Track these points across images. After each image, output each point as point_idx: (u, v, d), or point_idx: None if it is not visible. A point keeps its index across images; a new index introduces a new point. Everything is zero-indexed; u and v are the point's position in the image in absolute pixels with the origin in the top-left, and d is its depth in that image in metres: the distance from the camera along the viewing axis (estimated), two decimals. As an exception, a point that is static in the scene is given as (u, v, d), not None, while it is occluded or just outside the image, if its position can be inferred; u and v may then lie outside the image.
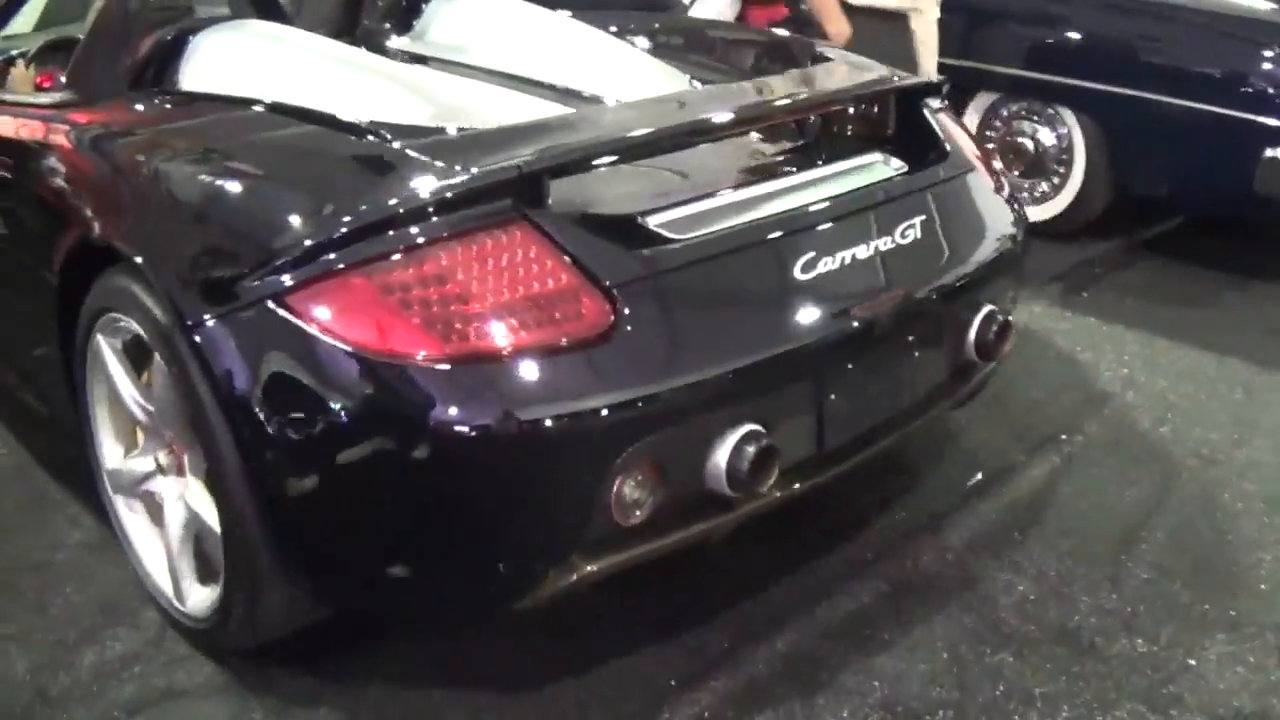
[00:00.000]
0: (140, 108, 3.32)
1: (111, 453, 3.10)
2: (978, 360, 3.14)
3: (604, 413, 2.37)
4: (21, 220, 3.39)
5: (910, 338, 3.00)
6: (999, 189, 3.40)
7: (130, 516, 3.10)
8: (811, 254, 2.74)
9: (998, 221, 3.29)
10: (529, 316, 2.38)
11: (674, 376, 2.47)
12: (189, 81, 3.35)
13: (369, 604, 2.82)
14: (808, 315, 2.71)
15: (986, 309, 3.10)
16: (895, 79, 3.47)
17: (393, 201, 2.46)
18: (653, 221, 2.69)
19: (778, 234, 2.76)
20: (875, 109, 3.42)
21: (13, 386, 3.78)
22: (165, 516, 2.91)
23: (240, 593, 2.68)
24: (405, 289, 2.37)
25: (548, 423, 2.34)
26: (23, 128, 3.40)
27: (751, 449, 2.54)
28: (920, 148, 3.29)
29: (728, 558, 3.16)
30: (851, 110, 3.43)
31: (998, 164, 3.53)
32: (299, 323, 2.39)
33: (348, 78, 3.24)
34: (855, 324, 2.78)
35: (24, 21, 5.00)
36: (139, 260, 2.67)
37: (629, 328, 2.45)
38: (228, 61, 3.37)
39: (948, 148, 3.30)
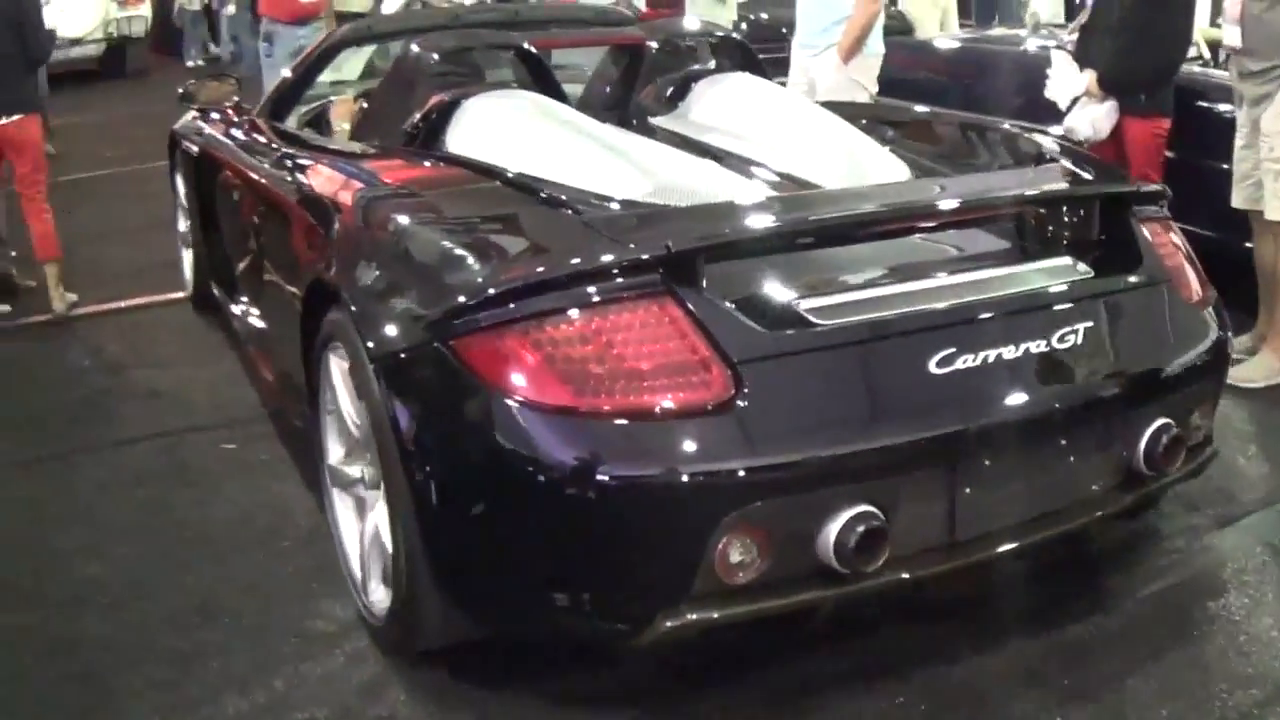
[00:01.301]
0: (396, 164, 3.92)
1: (334, 451, 3.53)
2: (1147, 473, 3.18)
3: (710, 477, 2.65)
4: (284, 247, 4.03)
5: (1062, 442, 3.09)
6: (1196, 304, 3.43)
7: (341, 509, 3.53)
8: (950, 350, 2.88)
9: (1182, 336, 3.32)
10: (657, 382, 2.69)
11: (784, 451, 2.71)
12: (454, 143, 3.93)
13: (503, 627, 3.12)
14: (936, 409, 2.87)
15: (1159, 422, 3.14)
16: (1106, 184, 3.62)
17: (554, 267, 2.81)
18: (805, 305, 2.91)
19: (919, 327, 2.92)
20: (1080, 211, 3.47)
21: (275, 391, 4.50)
22: (365, 519, 3.33)
23: (404, 602, 3.05)
24: (553, 345, 2.70)
25: (658, 478, 2.65)
26: (300, 168, 4.09)
27: (861, 529, 2.71)
28: (1116, 255, 3.36)
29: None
30: (1050, 212, 3.49)
31: (1199, 279, 3.53)
32: (461, 365, 2.77)
33: (586, 151, 3.65)
34: (990, 422, 2.91)
35: (350, 69, 5.93)
36: (347, 299, 3.17)
37: (749, 401, 2.70)
38: (488, 128, 3.90)
39: (1142, 257, 3.35)
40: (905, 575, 2.87)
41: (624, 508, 2.67)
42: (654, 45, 4.80)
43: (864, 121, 4.33)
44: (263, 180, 4.44)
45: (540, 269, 2.84)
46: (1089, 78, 5.69)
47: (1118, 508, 3.23)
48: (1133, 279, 3.30)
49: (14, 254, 6.84)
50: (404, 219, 3.32)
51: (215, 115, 5.49)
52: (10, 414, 5.22)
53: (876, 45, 6.55)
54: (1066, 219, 3.46)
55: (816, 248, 3.17)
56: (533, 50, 4.53)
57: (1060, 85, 5.87)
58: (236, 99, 5.52)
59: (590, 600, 2.82)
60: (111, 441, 4.80)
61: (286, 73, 5.49)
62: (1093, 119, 5.68)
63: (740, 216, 3.13)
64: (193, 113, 5.82)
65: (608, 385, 2.68)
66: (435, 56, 4.32)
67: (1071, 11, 10.73)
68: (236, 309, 5.16)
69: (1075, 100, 5.78)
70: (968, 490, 2.92)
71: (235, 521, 4.08)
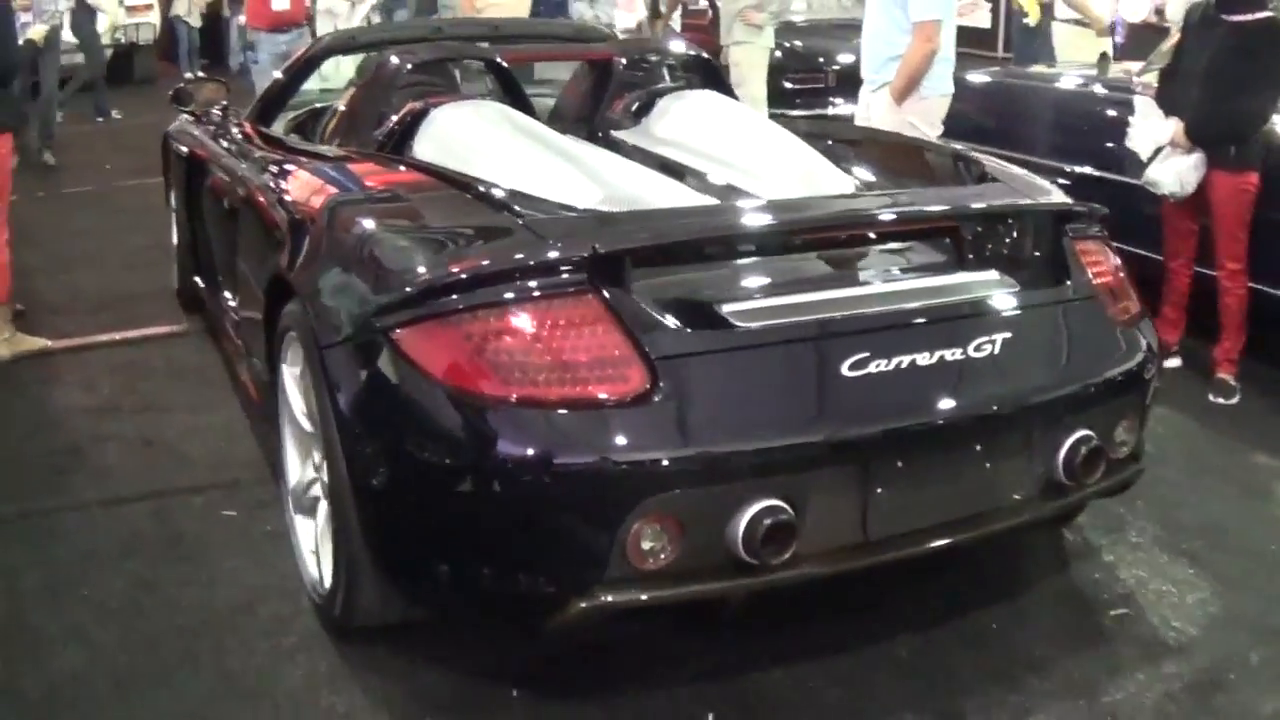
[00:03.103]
0: (358, 167, 4.04)
1: (292, 468, 3.68)
2: (1067, 483, 3.26)
3: (622, 466, 2.79)
4: (252, 244, 4.22)
5: (977, 448, 3.18)
6: (1125, 322, 3.51)
7: (300, 521, 3.66)
8: (863, 355, 3.00)
9: (1106, 352, 3.41)
10: (578, 374, 2.83)
11: (695, 444, 2.85)
12: (421, 149, 4.13)
13: (430, 605, 3.30)
14: (846, 411, 3.02)
15: (1079, 434, 3.21)
16: (1036, 201, 3.69)
17: (487, 263, 3.00)
18: (728, 308, 3.05)
19: (833, 332, 3.06)
20: (1012, 227, 3.57)
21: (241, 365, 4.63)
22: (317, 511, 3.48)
23: (343, 581, 3.22)
24: (482, 337, 2.87)
25: (574, 464, 2.79)
26: (270, 170, 4.25)
27: (769, 522, 2.82)
28: (1046, 271, 3.48)
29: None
30: (985, 227, 3.56)
31: (1130, 298, 3.61)
32: (398, 354, 2.95)
33: (542, 160, 3.84)
34: (900, 426, 3.02)
35: (340, 78, 6.13)
36: (298, 291, 3.40)
37: (664, 396, 2.85)
38: (453, 136, 4.11)
39: (1070, 273, 3.46)
40: (815, 571, 2.99)
41: (539, 492, 2.80)
42: (622, 61, 5.01)
43: (820, 139, 4.50)
44: (237, 180, 4.60)
45: (474, 265, 3.00)
46: (1175, 127, 5.26)
47: (1037, 516, 3.34)
48: (1058, 294, 3.43)
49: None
50: (354, 218, 3.44)
51: (205, 118, 5.62)
52: (-11, 460, 4.73)
53: (940, 86, 6.05)
54: (1000, 235, 3.56)
55: (743, 256, 3.31)
56: (503, 63, 4.80)
57: (1143, 134, 5.44)
58: (225, 102, 5.67)
59: (510, 580, 2.95)
60: (99, 500, 4.32)
61: (278, 74, 5.62)
62: (1178, 172, 5.25)
63: (668, 222, 3.29)
64: (185, 116, 5.91)
65: (530, 376, 2.82)
66: (408, 66, 4.59)
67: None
68: (216, 304, 5.20)
69: (1158, 151, 5.34)
70: (880, 491, 3.02)
71: (236, 608, 3.60)
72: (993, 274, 3.41)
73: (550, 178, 3.65)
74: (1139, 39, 11.27)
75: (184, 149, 5.75)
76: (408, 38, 5.26)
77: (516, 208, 3.26)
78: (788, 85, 9.89)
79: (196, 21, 17.22)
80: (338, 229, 3.44)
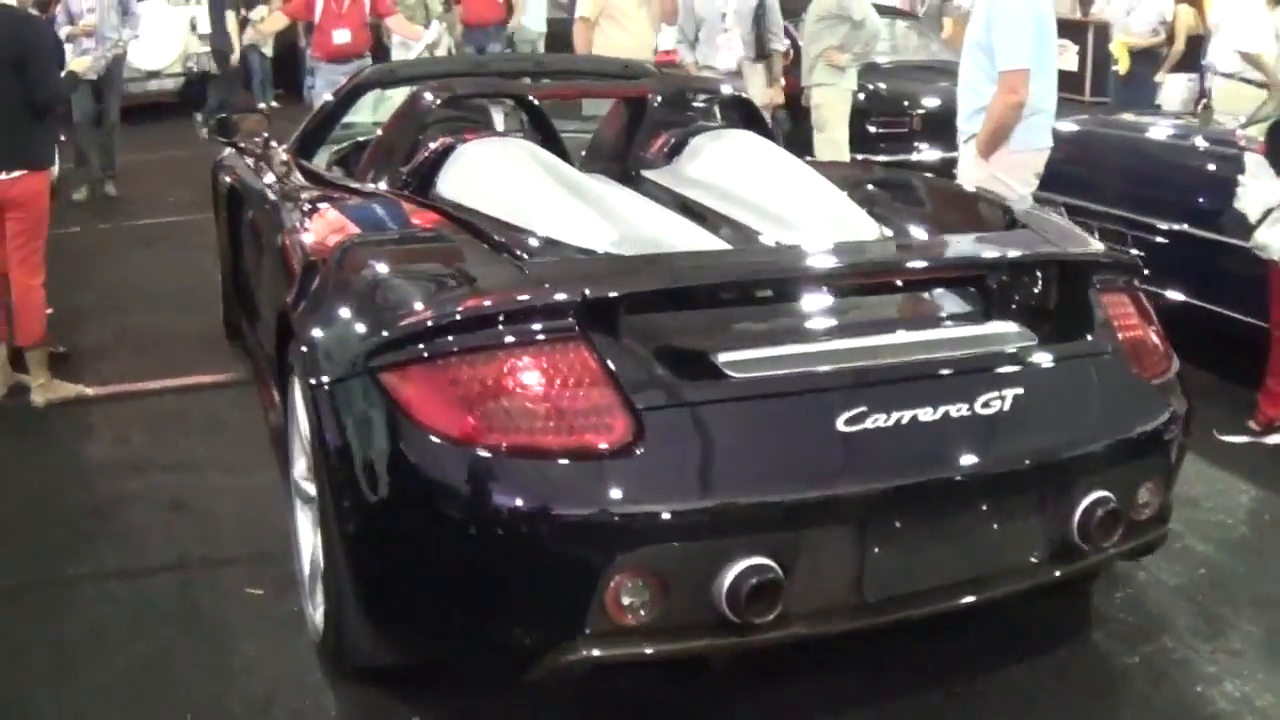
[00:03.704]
0: (373, 205, 4.05)
1: (299, 464, 3.57)
2: (1083, 546, 3.13)
3: (602, 519, 2.73)
4: (272, 279, 4.20)
5: (983, 508, 3.06)
6: (1150, 378, 3.38)
7: (301, 516, 3.58)
8: (861, 409, 2.90)
9: (1129, 410, 3.29)
10: (561, 423, 2.78)
11: (679, 499, 2.77)
12: (445, 185, 4.09)
13: (415, 650, 3.23)
14: (841, 467, 2.91)
15: (1096, 495, 3.09)
16: (1062, 251, 3.54)
17: (476, 307, 2.94)
18: (723, 358, 2.98)
19: (829, 385, 2.97)
20: (1036, 277, 3.48)
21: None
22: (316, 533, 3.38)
23: (332, 619, 3.20)
24: (468, 383, 2.82)
25: (551, 515, 2.74)
26: (294, 205, 4.22)
27: (754, 580, 2.74)
28: (1067, 323, 3.35)
29: None
30: (1008, 277, 3.48)
31: (1160, 353, 3.48)
32: (384, 396, 2.90)
33: (560, 200, 3.78)
34: (899, 484, 2.92)
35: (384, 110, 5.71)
36: (297, 330, 3.34)
37: (649, 448, 2.77)
38: (476, 174, 4.07)
39: (1094, 327, 3.34)
40: (805, 631, 2.91)
41: (518, 543, 2.76)
42: (656, 99, 4.82)
43: (853, 183, 4.42)
44: (263, 213, 4.63)
45: (463, 308, 2.95)
46: (1289, 189, 4.85)
47: (1047, 579, 3.19)
48: (1078, 349, 3.31)
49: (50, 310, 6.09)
50: (353, 259, 3.40)
51: (247, 150, 5.53)
52: (8, 518, 4.45)
53: (1032, 140, 5.59)
54: (1023, 285, 3.48)
55: (740, 304, 3.27)
56: (534, 100, 4.72)
57: (1254, 195, 5.02)
58: (266, 134, 5.52)
59: (489, 630, 2.91)
60: (117, 570, 4.03)
61: (318, 107, 5.62)
62: None
63: (663, 268, 3.22)
64: (230, 149, 5.81)
65: (513, 423, 2.78)
66: (438, 101, 4.54)
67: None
68: (253, 339, 5.13)
69: (1268, 213, 4.93)
70: (877, 551, 2.92)
71: (254, 703, 3.29)
72: (1010, 326, 3.33)
73: (566, 218, 3.62)
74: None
75: (227, 180, 5.69)
76: (446, 72, 5.28)
77: (518, 251, 3.25)
78: (871, 130, 9.56)
79: (269, 51, 17.11)
80: (336, 268, 3.41)
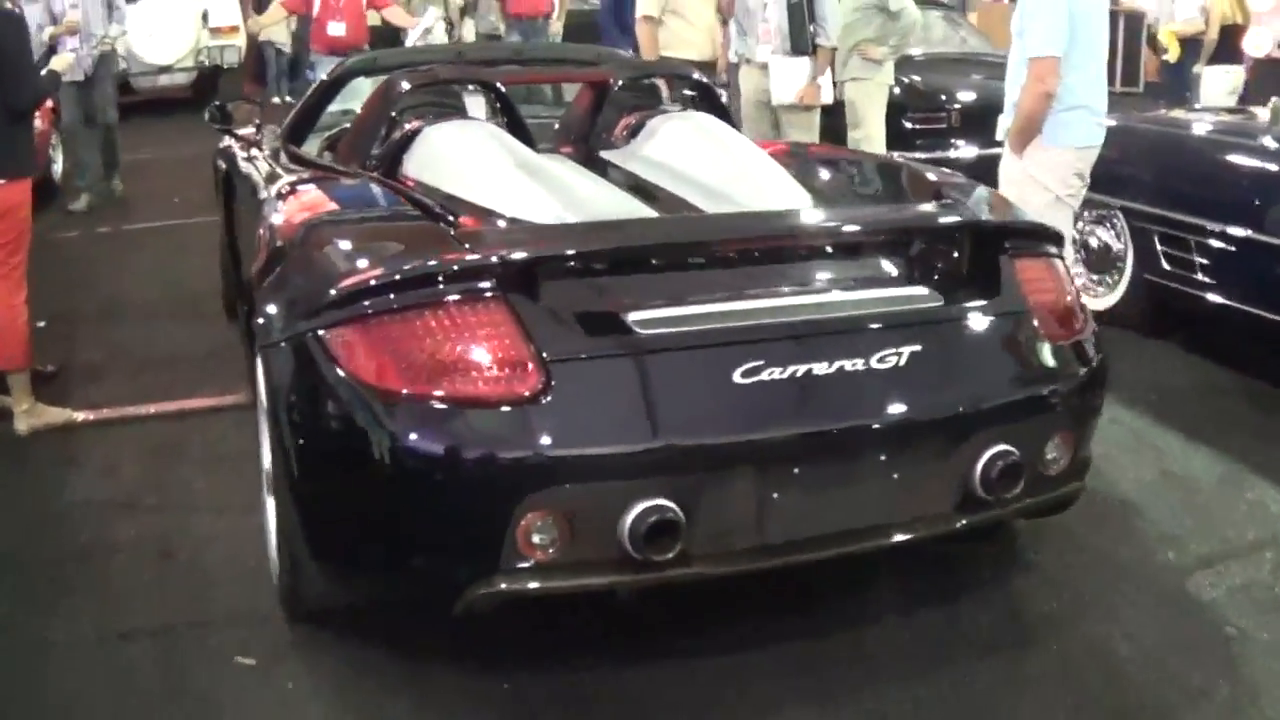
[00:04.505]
0: (337, 183, 4.28)
1: (266, 453, 3.71)
2: (985, 497, 3.27)
3: (512, 460, 2.97)
4: (247, 257, 4.37)
5: (880, 458, 3.24)
6: (1060, 339, 3.51)
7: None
8: (758, 362, 3.11)
9: (1035, 369, 3.47)
10: (479, 374, 3.02)
11: (581, 443, 3.01)
12: (410, 167, 4.38)
13: (359, 590, 3.45)
14: (737, 416, 3.11)
15: (996, 448, 3.24)
16: (972, 219, 3.70)
17: (406, 270, 3.17)
18: (633, 316, 3.19)
19: (728, 340, 3.16)
20: (947, 243, 3.59)
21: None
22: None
23: (286, 567, 3.48)
24: (397, 339, 3.06)
25: (467, 459, 2.98)
26: (270, 186, 4.41)
27: (654, 519, 2.94)
28: (977, 286, 3.50)
29: None
30: (922, 243, 3.61)
31: (1076, 316, 3.63)
32: (325, 353, 3.13)
33: (512, 178, 4.00)
34: (791, 433, 3.14)
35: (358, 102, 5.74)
36: (253, 296, 3.61)
37: (557, 397, 3.00)
38: (437, 154, 4.34)
39: (1001, 291, 3.48)
40: (708, 570, 3.12)
41: (438, 484, 3.01)
42: (616, 84, 5.13)
43: (800, 162, 4.75)
44: (246, 196, 4.93)
45: (394, 271, 3.17)
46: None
47: (950, 528, 3.35)
48: (984, 310, 3.46)
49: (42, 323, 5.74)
50: (304, 231, 3.63)
51: (240, 136, 5.76)
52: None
53: (1069, 137, 5.24)
54: (940, 252, 3.58)
55: (662, 270, 3.40)
56: (499, 86, 4.95)
57: None
58: (258, 121, 5.86)
59: (419, 568, 3.15)
60: (95, 633, 3.60)
61: (307, 94, 5.70)
62: None
63: (583, 235, 3.44)
64: (223, 133, 5.98)
65: (435, 374, 3.01)
66: (408, 87, 4.78)
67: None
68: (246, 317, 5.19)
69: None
70: (776, 496, 3.14)
71: (236, 802, 2.88)
72: (918, 290, 3.49)
73: (516, 195, 3.84)
74: (1264, 75, 10.40)
75: (223, 165, 6.06)
76: (426, 60, 5.51)
77: (453, 219, 3.44)
78: (907, 125, 9.12)
79: (287, 47, 16.75)
80: (287, 240, 3.65)
